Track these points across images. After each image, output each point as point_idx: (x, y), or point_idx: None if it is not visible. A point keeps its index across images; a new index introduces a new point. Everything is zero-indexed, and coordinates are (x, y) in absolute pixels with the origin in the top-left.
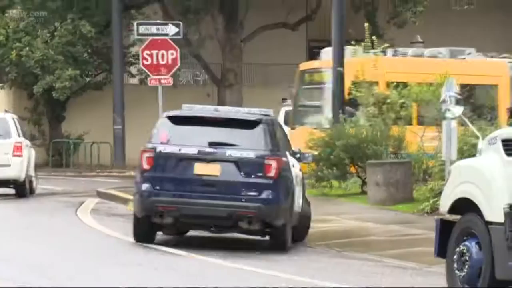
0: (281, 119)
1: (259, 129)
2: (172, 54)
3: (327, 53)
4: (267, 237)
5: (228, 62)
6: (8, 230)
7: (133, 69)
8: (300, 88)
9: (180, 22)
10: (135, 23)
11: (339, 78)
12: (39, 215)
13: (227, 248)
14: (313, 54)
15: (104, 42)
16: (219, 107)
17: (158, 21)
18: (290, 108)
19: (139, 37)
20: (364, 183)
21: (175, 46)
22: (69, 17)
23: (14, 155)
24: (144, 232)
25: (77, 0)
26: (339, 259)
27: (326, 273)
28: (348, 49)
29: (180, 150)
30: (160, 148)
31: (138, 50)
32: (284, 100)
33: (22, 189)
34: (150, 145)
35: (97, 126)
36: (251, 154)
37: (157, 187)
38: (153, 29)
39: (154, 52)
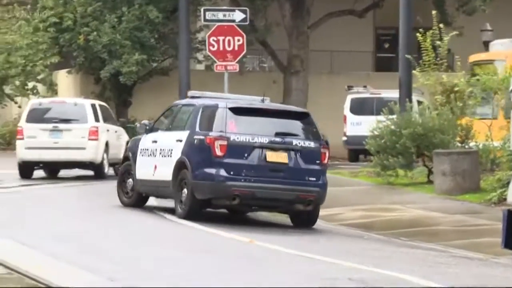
0: (347, 106)
1: (310, 120)
2: (238, 40)
3: (497, 45)
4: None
5: (294, 49)
6: (70, 211)
7: (199, 55)
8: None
9: (247, 8)
10: (202, 9)
11: (407, 65)
12: (100, 198)
13: (268, 229)
14: (380, 42)
15: (171, 27)
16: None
17: (225, 7)
18: (356, 95)
19: (205, 23)
20: (430, 172)
21: (242, 32)
22: (136, 2)
23: (89, 139)
24: (197, 210)
25: None
26: (404, 249)
27: (390, 262)
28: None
29: (253, 139)
30: (234, 137)
31: (205, 36)
32: (350, 87)
33: (99, 171)
34: (217, 134)
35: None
36: (312, 144)
37: (232, 172)
38: (220, 15)
39: (221, 38)
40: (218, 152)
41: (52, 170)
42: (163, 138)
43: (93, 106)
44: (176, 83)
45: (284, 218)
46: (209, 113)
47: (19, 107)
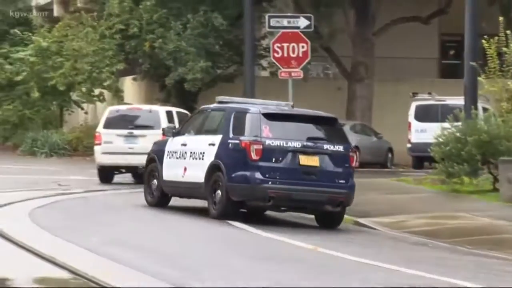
0: (411, 113)
1: (337, 124)
2: (303, 47)
3: None
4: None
5: (359, 56)
6: (134, 216)
7: (264, 62)
8: None
9: (311, 15)
10: (266, 16)
11: (472, 72)
12: (174, 208)
13: (328, 235)
14: (445, 48)
15: (236, 34)
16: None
17: (289, 14)
18: (421, 102)
19: (270, 29)
20: (496, 180)
21: (306, 39)
22: (201, 9)
23: None
24: (234, 212)
25: None
26: (469, 257)
27: (455, 270)
28: None
29: (286, 143)
30: (269, 141)
31: (269, 42)
32: (414, 94)
33: None
34: (252, 138)
35: None
36: (341, 148)
37: (267, 175)
38: (284, 22)
39: (285, 45)
40: (254, 156)
41: (135, 175)
42: (193, 142)
43: (168, 113)
44: (240, 90)
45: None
46: (242, 118)
47: (86, 113)
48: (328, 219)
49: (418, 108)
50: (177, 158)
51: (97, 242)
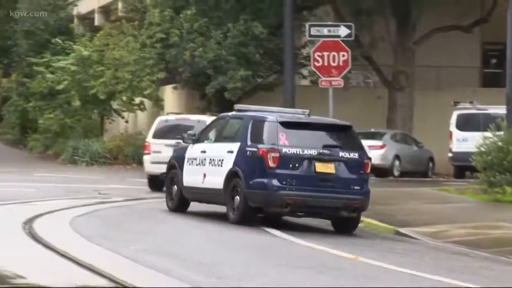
0: (453, 122)
1: (352, 132)
2: (343, 55)
3: None
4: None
5: (399, 65)
6: (179, 227)
7: (304, 71)
8: None
9: (352, 24)
10: (307, 25)
11: None
12: (211, 216)
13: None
14: (487, 57)
15: (276, 43)
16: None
17: (329, 23)
18: (463, 111)
19: (310, 38)
20: None
21: (347, 47)
22: (242, 18)
23: None
24: (249, 216)
25: (250, 1)
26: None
27: (498, 280)
28: None
29: (303, 151)
30: (285, 149)
31: (310, 51)
32: (456, 103)
33: None
34: (269, 146)
35: None
36: (356, 155)
37: (284, 182)
38: (325, 31)
39: (326, 53)
40: (271, 163)
41: None
42: (212, 149)
43: None
44: (280, 99)
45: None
46: (260, 126)
47: (126, 122)
48: (344, 224)
49: (460, 117)
50: (196, 164)
51: (136, 250)
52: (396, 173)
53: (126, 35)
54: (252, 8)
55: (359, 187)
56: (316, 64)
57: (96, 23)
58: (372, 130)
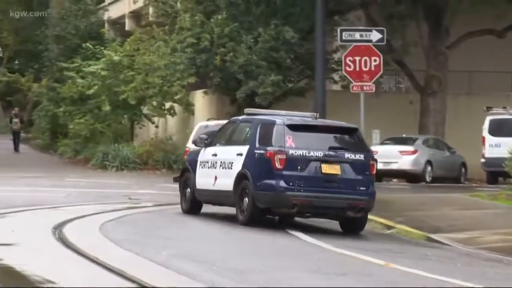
0: (485, 128)
1: (358, 134)
2: (375, 60)
3: None
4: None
5: (432, 69)
6: (209, 231)
7: (335, 76)
8: None
9: (384, 28)
10: (338, 29)
11: None
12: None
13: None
14: None
15: (307, 48)
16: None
17: (361, 27)
18: (496, 117)
19: (342, 43)
20: None
21: (378, 52)
22: (272, 23)
23: None
24: (257, 217)
25: (281, 5)
26: None
27: None
28: None
29: (309, 153)
30: (292, 151)
31: (341, 56)
32: (488, 108)
33: None
34: (276, 148)
35: None
36: (362, 156)
37: (291, 183)
38: (357, 35)
39: (357, 58)
40: (278, 165)
41: None
42: (223, 152)
43: None
44: (311, 104)
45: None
46: (268, 129)
47: (156, 127)
48: (351, 225)
49: (493, 123)
50: (208, 167)
51: (167, 255)
52: (428, 178)
53: (156, 40)
54: (283, 12)
55: (364, 188)
56: (348, 69)
57: (127, 28)
58: (404, 135)
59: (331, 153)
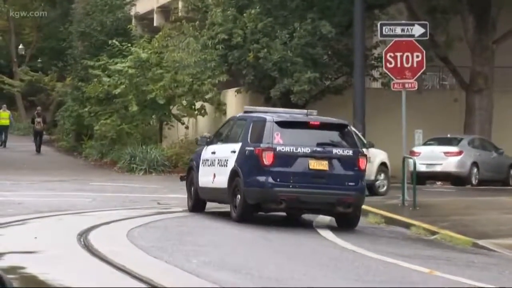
0: None
1: (348, 130)
2: (417, 56)
3: None
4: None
5: (477, 65)
6: (243, 235)
7: (375, 72)
8: None
9: (426, 23)
10: (378, 24)
11: None
12: (276, 226)
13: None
14: None
15: (345, 43)
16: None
17: (403, 21)
18: None
19: (382, 38)
20: None
21: (421, 48)
22: (309, 17)
23: None
24: (248, 214)
25: None
26: None
27: None
28: None
29: (296, 149)
30: (279, 148)
31: (381, 52)
32: None
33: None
34: (267, 145)
35: None
36: (350, 152)
37: (278, 179)
38: (398, 30)
39: (398, 54)
40: (266, 162)
41: None
42: (220, 149)
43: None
44: (350, 103)
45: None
46: (259, 126)
47: (186, 128)
48: (344, 221)
49: None
50: (208, 165)
51: (198, 263)
52: (474, 181)
53: (186, 36)
54: (319, 6)
55: (353, 183)
56: (388, 65)
57: (155, 23)
58: (448, 135)
59: (319, 149)
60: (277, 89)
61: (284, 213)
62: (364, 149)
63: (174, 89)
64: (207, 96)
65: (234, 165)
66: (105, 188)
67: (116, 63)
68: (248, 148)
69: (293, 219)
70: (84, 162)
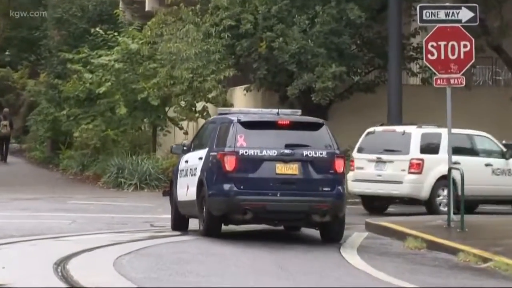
0: None
1: (324, 130)
2: (465, 46)
3: None
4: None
5: None
6: (254, 264)
7: (414, 66)
8: None
9: (476, 5)
10: (417, 7)
11: None
12: (293, 249)
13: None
14: None
15: (378, 31)
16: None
17: (447, 4)
18: None
19: (422, 24)
20: None
21: (470, 36)
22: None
23: (409, 172)
24: (215, 228)
25: None
26: None
27: None
28: None
29: (261, 152)
30: (242, 151)
31: (421, 41)
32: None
33: (430, 209)
34: (229, 149)
35: None
36: (324, 153)
37: (242, 187)
38: (441, 14)
39: (442, 43)
40: (228, 167)
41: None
42: (191, 157)
43: (427, 135)
44: (383, 102)
45: None
46: (224, 129)
47: (185, 133)
48: (327, 233)
49: None
50: (183, 176)
51: None
52: None
53: (185, 23)
54: None
55: (328, 189)
56: (430, 57)
57: (147, 8)
58: (504, 142)
59: (287, 151)
60: (295, 87)
61: (299, 231)
62: (502, 160)
63: (170, 87)
64: (210, 95)
65: (200, 174)
66: (87, 208)
67: (100, 56)
68: (212, 154)
69: (313, 240)
70: (62, 176)
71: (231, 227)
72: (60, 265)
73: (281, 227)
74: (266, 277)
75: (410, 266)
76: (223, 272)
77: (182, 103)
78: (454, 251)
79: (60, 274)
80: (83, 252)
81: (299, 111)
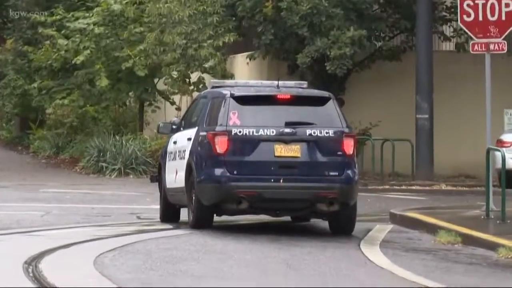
0: None
1: (330, 104)
2: (506, 5)
3: None
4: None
5: None
6: (260, 263)
7: (446, 29)
8: None
9: None
10: None
11: None
12: (305, 245)
13: None
14: None
15: None
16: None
17: None
18: None
19: None
20: None
21: None
22: None
23: None
24: (206, 219)
25: None
26: None
27: None
28: None
29: (257, 131)
30: (235, 131)
31: (455, 0)
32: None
33: None
34: (220, 128)
35: (391, 114)
36: (331, 132)
37: (235, 172)
38: None
39: (480, 2)
40: (219, 150)
41: None
42: (180, 138)
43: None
44: (411, 72)
45: None
46: (216, 104)
47: (178, 109)
48: (336, 223)
49: None
50: (172, 159)
51: None
52: None
53: None
54: None
55: (336, 173)
56: (466, 18)
57: None
58: None
59: (288, 130)
60: (307, 54)
61: (308, 221)
62: None
63: (159, 55)
64: (207, 65)
65: (189, 157)
66: (62, 197)
67: (77, 18)
68: (201, 134)
69: (327, 233)
70: (33, 160)
71: (233, 219)
72: (32, 265)
73: (288, 218)
74: (272, 276)
75: (441, 264)
76: (223, 273)
77: (174, 74)
78: (493, 246)
79: (31, 275)
80: (58, 249)
81: (305, 83)
